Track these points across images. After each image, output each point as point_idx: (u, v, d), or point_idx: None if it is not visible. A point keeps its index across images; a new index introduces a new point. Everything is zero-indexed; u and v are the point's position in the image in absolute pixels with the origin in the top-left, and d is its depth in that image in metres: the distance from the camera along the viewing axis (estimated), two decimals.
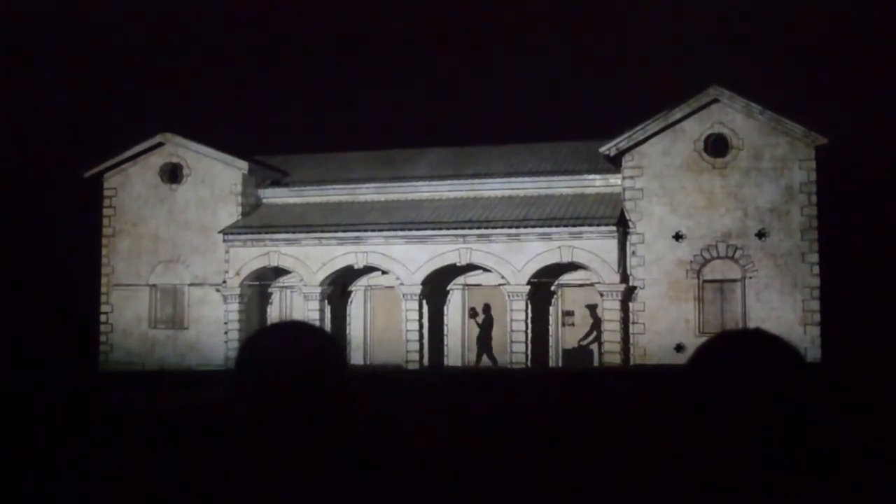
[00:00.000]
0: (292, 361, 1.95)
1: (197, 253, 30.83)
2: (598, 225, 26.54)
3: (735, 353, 1.71)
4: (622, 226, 27.03)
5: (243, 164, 31.10)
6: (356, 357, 30.48)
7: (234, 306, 29.57)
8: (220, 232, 29.95)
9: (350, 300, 31.76)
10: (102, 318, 31.63)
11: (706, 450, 1.67)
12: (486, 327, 30.16)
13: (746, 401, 1.63)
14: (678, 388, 1.74)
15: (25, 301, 34.24)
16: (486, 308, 29.94)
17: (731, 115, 27.25)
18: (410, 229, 28.01)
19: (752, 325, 24.65)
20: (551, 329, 30.41)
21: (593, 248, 26.58)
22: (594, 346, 29.26)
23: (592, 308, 29.23)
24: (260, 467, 1.94)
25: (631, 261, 27.36)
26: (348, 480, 2.00)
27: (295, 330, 2.04)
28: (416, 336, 28.29)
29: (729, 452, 1.65)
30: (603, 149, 28.12)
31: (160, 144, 31.74)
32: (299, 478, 1.94)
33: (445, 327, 30.84)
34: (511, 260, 27.15)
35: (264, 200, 32.03)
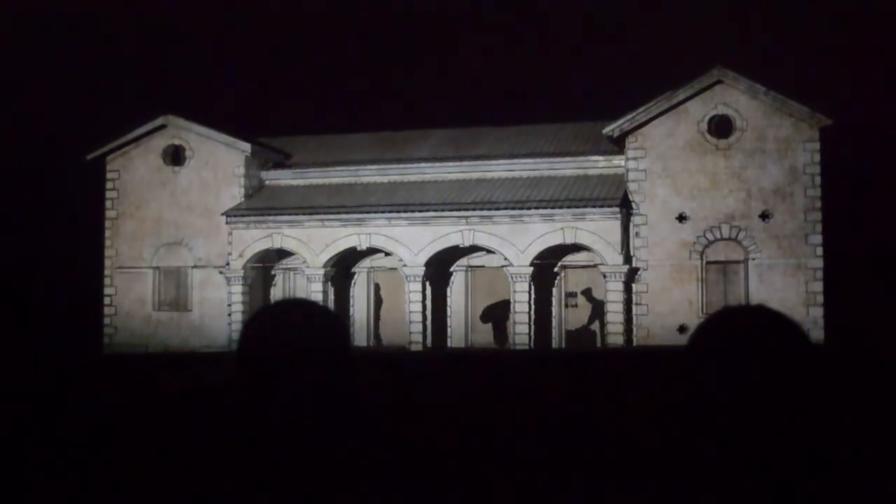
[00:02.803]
0: (296, 339, 1.95)
1: (200, 235, 30.84)
2: (602, 206, 26.52)
3: (737, 328, 1.71)
4: (625, 207, 27.00)
5: (246, 146, 31.07)
6: (359, 338, 30.54)
7: (238, 288, 29.62)
8: (222, 214, 29.96)
9: (353, 282, 31.79)
10: (106, 300, 31.67)
11: (709, 428, 1.67)
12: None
13: (749, 377, 1.63)
14: (680, 365, 1.74)
15: (29, 284, 34.30)
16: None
17: (734, 96, 27.16)
18: (413, 211, 28.00)
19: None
20: (554, 310, 30.45)
21: (596, 230, 26.57)
22: (596, 328, 29.32)
23: (588, 292, 29.32)
24: (262, 445, 1.95)
25: (634, 242, 27.35)
26: (351, 458, 2.00)
27: (298, 308, 2.05)
28: (419, 317, 28.33)
29: (731, 429, 1.66)
30: (606, 130, 28.05)
31: (162, 127, 31.70)
32: (302, 455, 1.95)
33: (449, 308, 30.90)
34: (514, 241, 27.15)
35: (267, 182, 32.01)
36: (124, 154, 32.08)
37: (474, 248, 28.62)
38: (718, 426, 1.68)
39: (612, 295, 26.70)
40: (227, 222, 29.79)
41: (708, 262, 26.99)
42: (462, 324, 30.91)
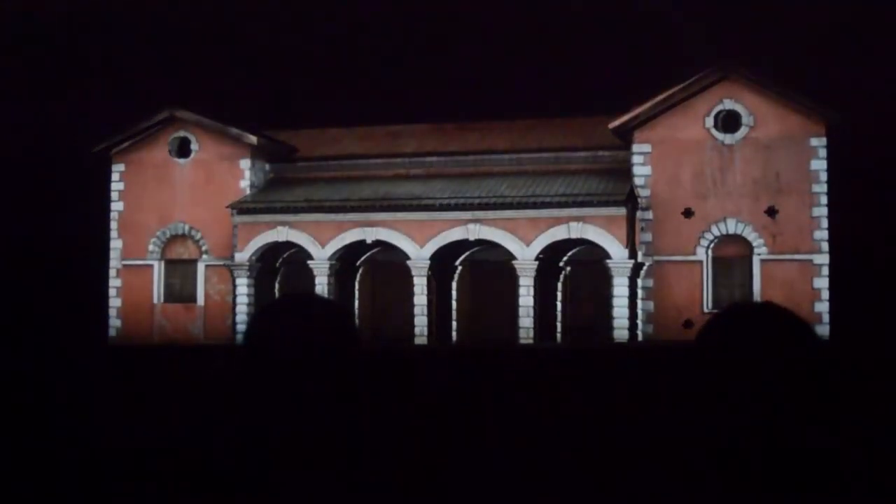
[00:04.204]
0: (304, 334, 1.95)
1: (206, 228, 30.88)
2: (607, 201, 26.47)
3: (746, 325, 1.71)
4: (631, 202, 26.96)
5: (252, 139, 31.08)
6: (362, 331, 30.58)
7: (243, 281, 29.65)
8: (228, 207, 29.97)
9: (358, 275, 31.86)
10: (112, 292, 31.73)
11: (716, 422, 1.67)
12: None
13: (757, 373, 1.63)
14: (688, 361, 1.74)
15: (35, 276, 34.36)
16: None
17: (741, 90, 27.08)
18: (419, 205, 28.00)
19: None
20: (559, 305, 30.49)
21: (602, 225, 26.52)
22: (601, 323, 29.28)
23: (597, 285, 29.28)
24: (269, 437, 1.95)
25: (640, 237, 27.32)
26: (357, 450, 2.00)
27: (306, 303, 2.04)
28: (423, 311, 28.37)
29: (739, 424, 1.66)
30: (613, 125, 28.00)
31: (169, 120, 31.72)
32: (310, 446, 1.94)
33: (454, 302, 30.96)
34: (520, 236, 27.13)
35: (273, 175, 32.03)
36: (131, 147, 32.11)
37: (479, 243, 28.61)
38: (725, 423, 1.67)
39: (618, 290, 26.66)
40: (233, 215, 29.81)
41: (714, 258, 26.95)
42: (466, 318, 30.92)
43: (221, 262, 30.36)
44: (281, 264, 31.43)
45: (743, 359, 1.66)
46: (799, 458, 1.69)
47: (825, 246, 26.16)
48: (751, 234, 26.59)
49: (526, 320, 27.28)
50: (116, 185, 32.19)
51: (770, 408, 1.67)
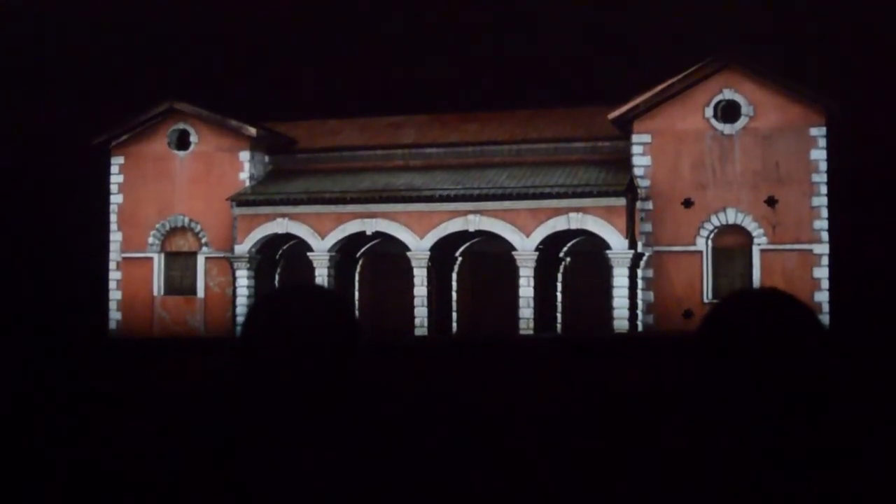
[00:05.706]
0: (304, 325, 1.95)
1: (206, 220, 30.87)
2: (607, 192, 26.46)
3: (751, 312, 1.70)
4: (631, 192, 26.95)
5: (251, 131, 31.04)
6: (363, 323, 30.57)
7: (244, 273, 29.66)
8: (228, 199, 29.96)
9: (358, 267, 31.86)
10: (112, 285, 31.73)
11: (720, 406, 1.67)
12: None
13: (762, 357, 1.63)
14: (691, 348, 1.74)
15: (36, 269, 34.37)
16: None
17: (741, 81, 27.05)
18: (419, 196, 27.99)
19: None
20: (559, 296, 30.50)
21: (602, 215, 26.52)
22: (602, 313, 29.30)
23: (597, 275, 29.31)
24: (267, 429, 1.95)
25: (639, 227, 27.32)
26: (354, 442, 2.00)
27: (307, 294, 2.04)
28: (423, 303, 28.39)
29: (744, 407, 1.66)
30: (612, 115, 27.97)
31: (168, 112, 31.68)
32: (306, 441, 1.94)
33: (454, 293, 30.97)
34: (519, 227, 27.12)
35: (272, 167, 32.00)
36: (130, 139, 32.07)
37: (479, 234, 28.61)
38: (730, 413, 1.67)
39: (618, 280, 26.67)
40: (232, 207, 29.80)
41: (714, 248, 26.96)
42: (466, 309, 30.93)
43: (221, 255, 30.36)
44: (281, 256, 31.42)
45: (748, 347, 1.66)
46: (801, 445, 1.70)
47: (825, 236, 26.16)
48: (751, 224, 26.58)
49: (526, 311, 27.30)
50: (116, 178, 32.16)
51: (776, 395, 1.67)
